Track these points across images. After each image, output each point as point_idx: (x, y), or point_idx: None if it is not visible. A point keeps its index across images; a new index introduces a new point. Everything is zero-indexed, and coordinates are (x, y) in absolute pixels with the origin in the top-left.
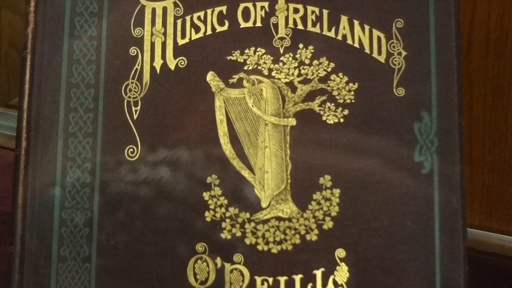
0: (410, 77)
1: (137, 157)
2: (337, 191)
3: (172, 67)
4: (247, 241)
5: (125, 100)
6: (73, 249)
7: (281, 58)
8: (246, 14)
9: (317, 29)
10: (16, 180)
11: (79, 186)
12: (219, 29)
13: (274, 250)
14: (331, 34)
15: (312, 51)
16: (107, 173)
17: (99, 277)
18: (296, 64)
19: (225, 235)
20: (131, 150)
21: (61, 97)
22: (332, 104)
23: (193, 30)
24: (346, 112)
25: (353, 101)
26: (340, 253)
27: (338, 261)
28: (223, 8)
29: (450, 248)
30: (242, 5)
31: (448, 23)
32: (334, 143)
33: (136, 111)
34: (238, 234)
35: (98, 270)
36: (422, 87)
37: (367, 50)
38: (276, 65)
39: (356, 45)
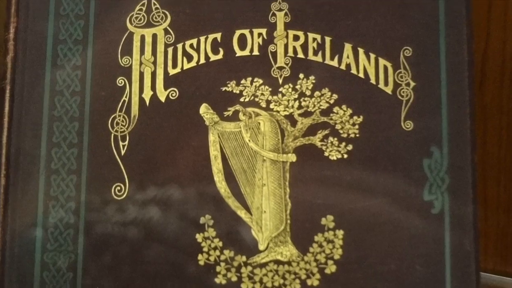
0: (419, 110)
1: (124, 195)
2: (340, 233)
3: (162, 98)
4: (244, 286)
5: (112, 135)
6: None
7: (280, 89)
8: (242, 42)
9: (318, 58)
10: None
11: (62, 227)
12: (213, 57)
13: None
14: (334, 63)
15: (314, 81)
16: (93, 213)
17: None
18: (296, 96)
19: (219, 280)
20: (119, 188)
21: (43, 131)
22: (335, 138)
23: (185, 59)
24: (350, 147)
25: (357, 135)
26: None
27: None
28: (218, 35)
29: None
30: (238, 32)
31: (460, 52)
32: (337, 181)
33: (123, 146)
34: (234, 279)
35: None
36: (432, 120)
37: (372, 81)
38: (275, 97)
39: (361, 75)
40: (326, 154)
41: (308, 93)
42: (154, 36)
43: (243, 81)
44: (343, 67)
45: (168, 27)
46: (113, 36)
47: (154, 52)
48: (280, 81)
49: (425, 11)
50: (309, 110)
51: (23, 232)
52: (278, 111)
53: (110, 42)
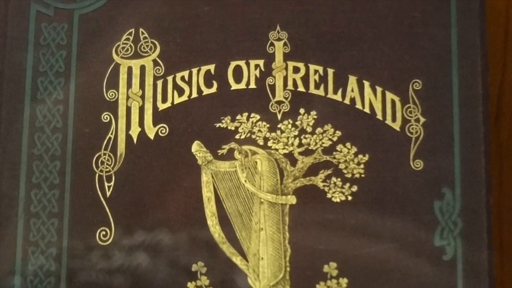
0: (429, 148)
1: (110, 241)
2: (344, 281)
3: (151, 136)
4: None
5: (97, 175)
6: None
7: (278, 126)
8: (238, 74)
9: (320, 92)
10: None
11: (42, 275)
12: (206, 91)
13: None
14: (338, 97)
15: (315, 117)
16: (76, 259)
17: None
18: (296, 133)
19: None
20: (104, 232)
21: (22, 171)
22: (339, 179)
23: (175, 93)
24: (354, 188)
25: (363, 175)
26: None
27: None
28: (211, 67)
29: None
30: (233, 64)
31: (474, 85)
32: (341, 225)
33: (109, 187)
34: None
35: None
36: (443, 159)
37: (379, 116)
38: (273, 134)
39: (367, 110)
40: (328, 195)
41: (309, 129)
42: (142, 68)
43: (238, 117)
44: (347, 101)
45: (157, 58)
46: (97, 68)
47: (142, 85)
48: (279, 116)
49: (436, 41)
50: (310, 148)
51: (0, 281)
52: (276, 149)
53: (94, 75)
